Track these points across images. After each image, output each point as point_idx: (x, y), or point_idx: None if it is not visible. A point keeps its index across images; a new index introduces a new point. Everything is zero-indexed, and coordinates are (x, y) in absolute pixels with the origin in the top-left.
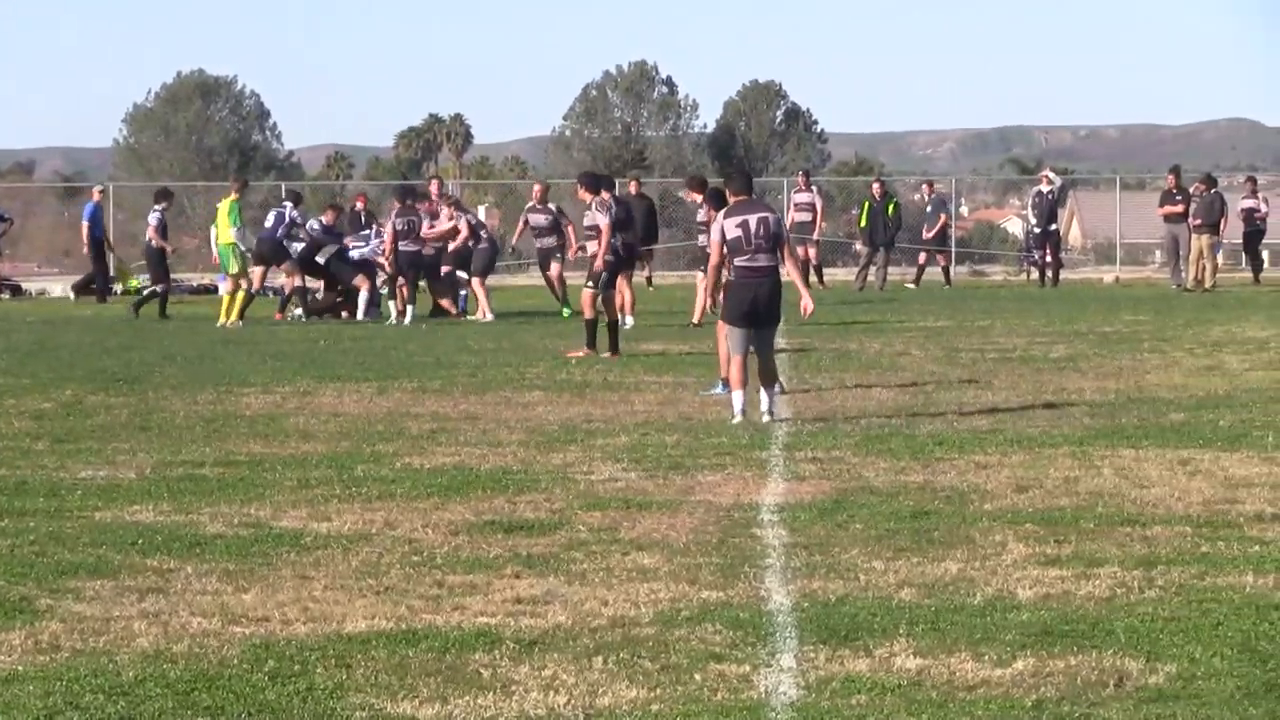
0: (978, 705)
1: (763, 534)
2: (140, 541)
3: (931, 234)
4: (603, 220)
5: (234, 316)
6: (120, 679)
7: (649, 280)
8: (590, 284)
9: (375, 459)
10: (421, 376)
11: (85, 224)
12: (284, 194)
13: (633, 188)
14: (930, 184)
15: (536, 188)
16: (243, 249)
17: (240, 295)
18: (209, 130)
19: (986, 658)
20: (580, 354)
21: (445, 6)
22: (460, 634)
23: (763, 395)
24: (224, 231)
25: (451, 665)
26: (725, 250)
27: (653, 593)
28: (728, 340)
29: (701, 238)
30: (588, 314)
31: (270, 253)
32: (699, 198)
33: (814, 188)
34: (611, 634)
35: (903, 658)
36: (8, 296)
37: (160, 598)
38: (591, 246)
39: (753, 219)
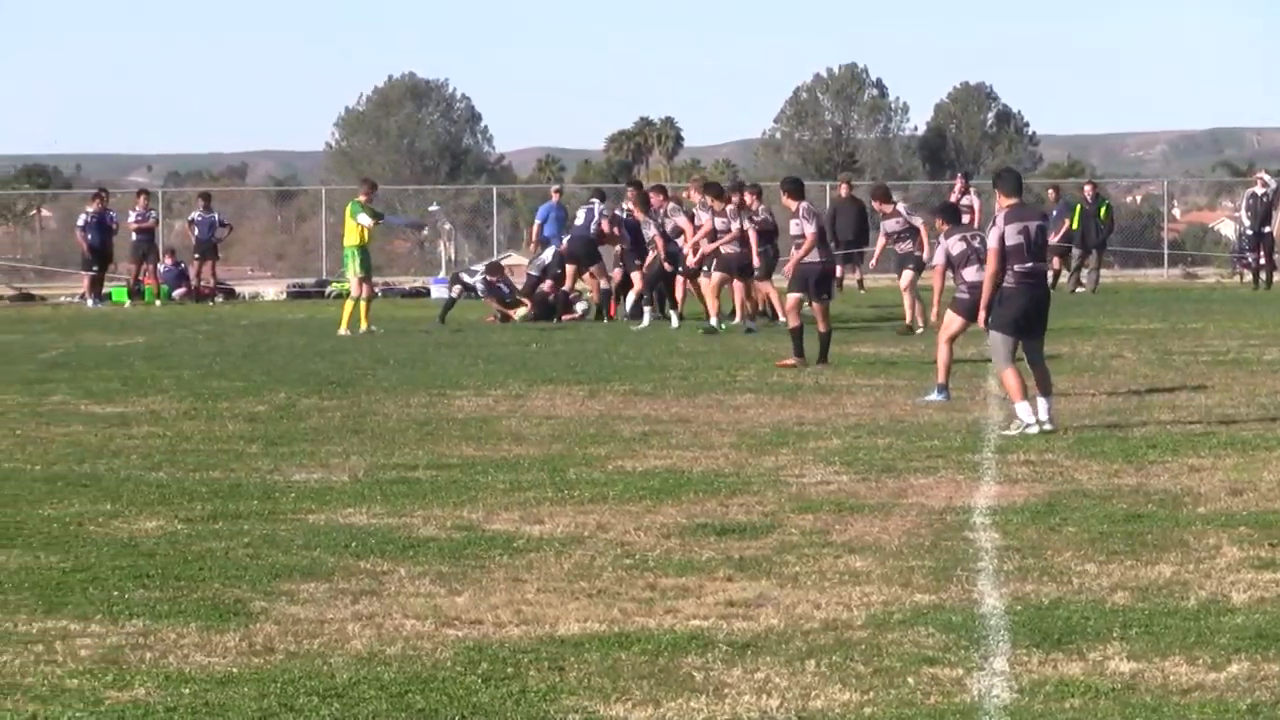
0: (1192, 709)
1: (975, 537)
2: (354, 544)
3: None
4: (809, 228)
5: (345, 325)
6: (334, 681)
7: (860, 283)
8: (794, 290)
9: (587, 462)
10: (633, 379)
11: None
12: (591, 193)
13: (843, 190)
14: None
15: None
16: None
17: (362, 303)
18: (420, 133)
19: (1200, 661)
20: (790, 363)
21: (656, 9)
22: (673, 637)
23: (1041, 404)
24: (350, 234)
25: (664, 668)
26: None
27: (865, 596)
28: (995, 351)
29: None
30: (793, 322)
31: (583, 252)
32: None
33: (971, 190)
34: (824, 637)
35: (1116, 661)
36: (221, 300)
37: (374, 600)
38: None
39: (1032, 225)
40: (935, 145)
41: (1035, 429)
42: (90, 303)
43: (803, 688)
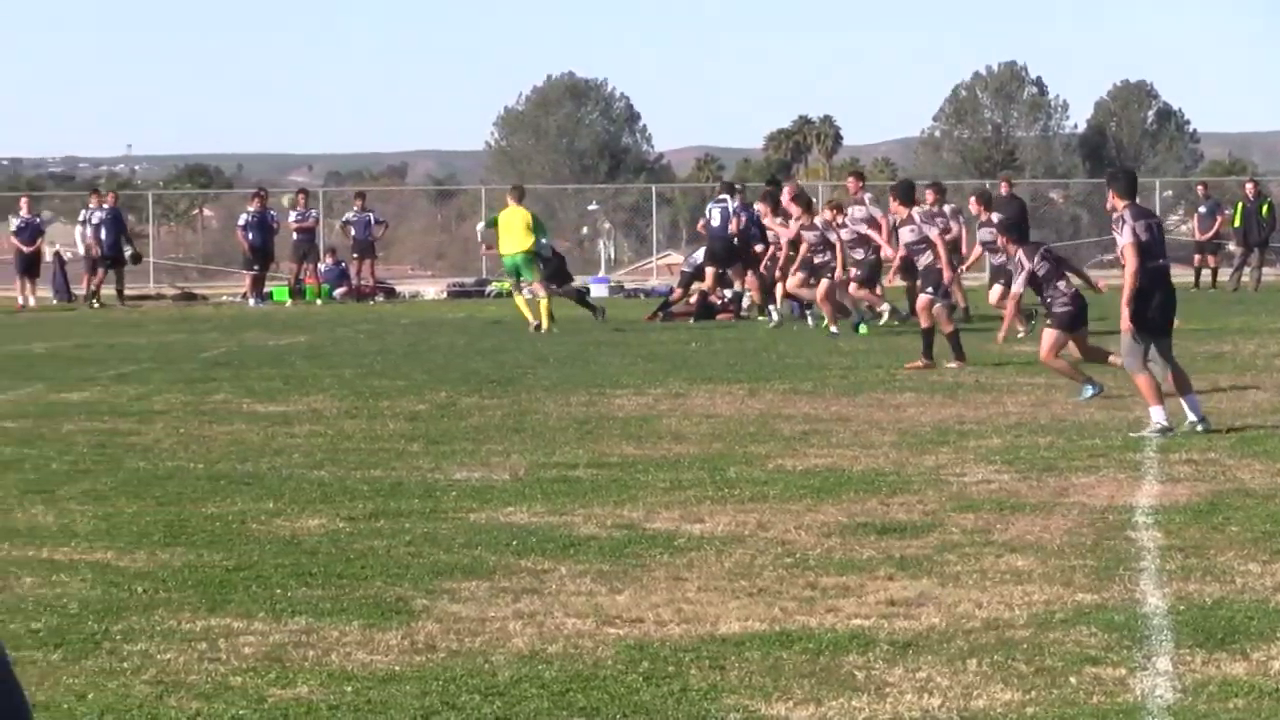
0: None
1: (1137, 536)
2: (515, 543)
3: (1206, 236)
4: (932, 230)
5: (546, 322)
6: (496, 679)
7: None
8: (929, 291)
9: (747, 460)
10: (793, 378)
11: None
12: (720, 187)
13: (1004, 189)
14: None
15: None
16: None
17: (546, 301)
18: (579, 133)
19: None
20: (918, 365)
21: (816, 7)
22: (834, 636)
23: (1186, 403)
24: (522, 240)
25: (825, 667)
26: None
27: (1027, 595)
28: (1128, 358)
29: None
30: (924, 323)
31: (722, 251)
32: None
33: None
34: (985, 636)
35: None
36: (382, 299)
37: (535, 599)
38: (925, 258)
39: (1154, 222)
40: (1095, 143)
41: (1172, 432)
42: (252, 302)
43: (964, 687)
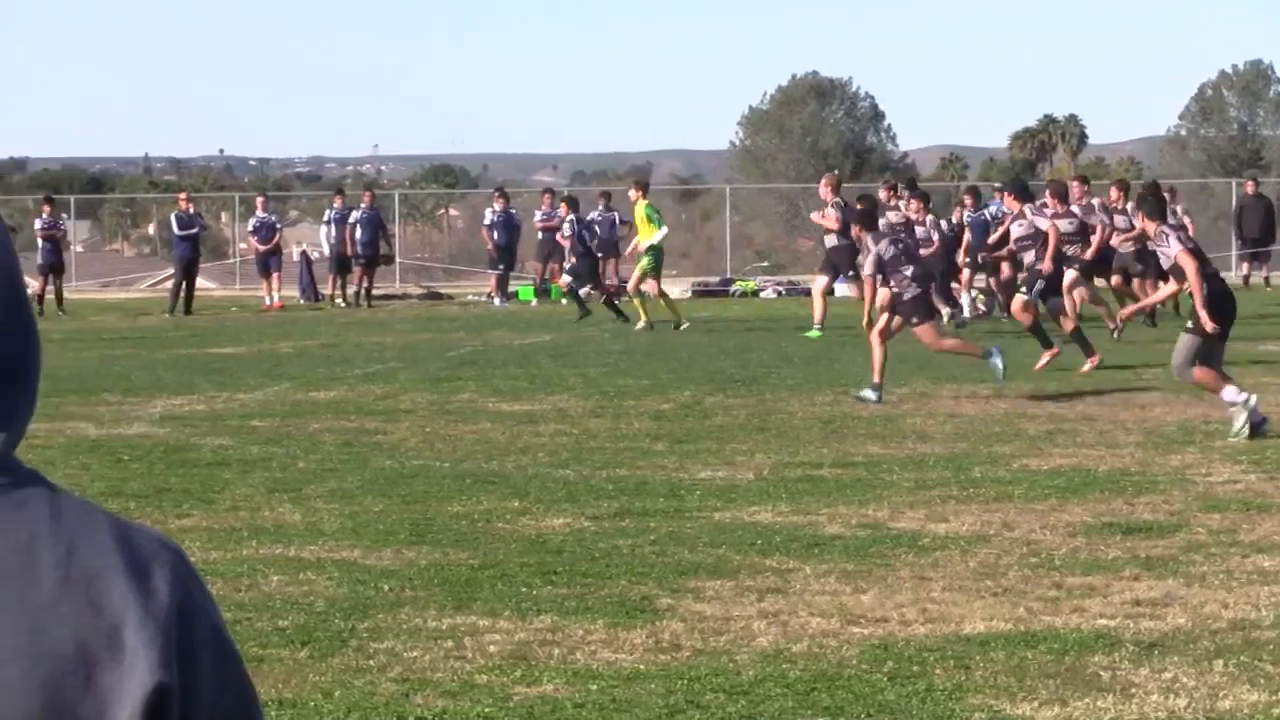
0: None
1: None
2: (759, 542)
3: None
4: (1044, 223)
5: (645, 319)
6: (740, 678)
7: (1266, 280)
8: (1024, 290)
9: (992, 460)
10: (1037, 378)
11: None
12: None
13: (1249, 188)
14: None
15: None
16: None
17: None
18: (823, 132)
19: None
20: (1045, 359)
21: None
22: (1079, 636)
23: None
24: (645, 233)
25: (1070, 667)
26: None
27: (1274, 595)
28: (1180, 362)
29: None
30: (1027, 322)
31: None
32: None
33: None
34: (1232, 637)
35: None
36: (626, 299)
37: (779, 598)
38: (1029, 256)
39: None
40: None
41: (1254, 399)
42: (497, 301)
43: (1210, 688)
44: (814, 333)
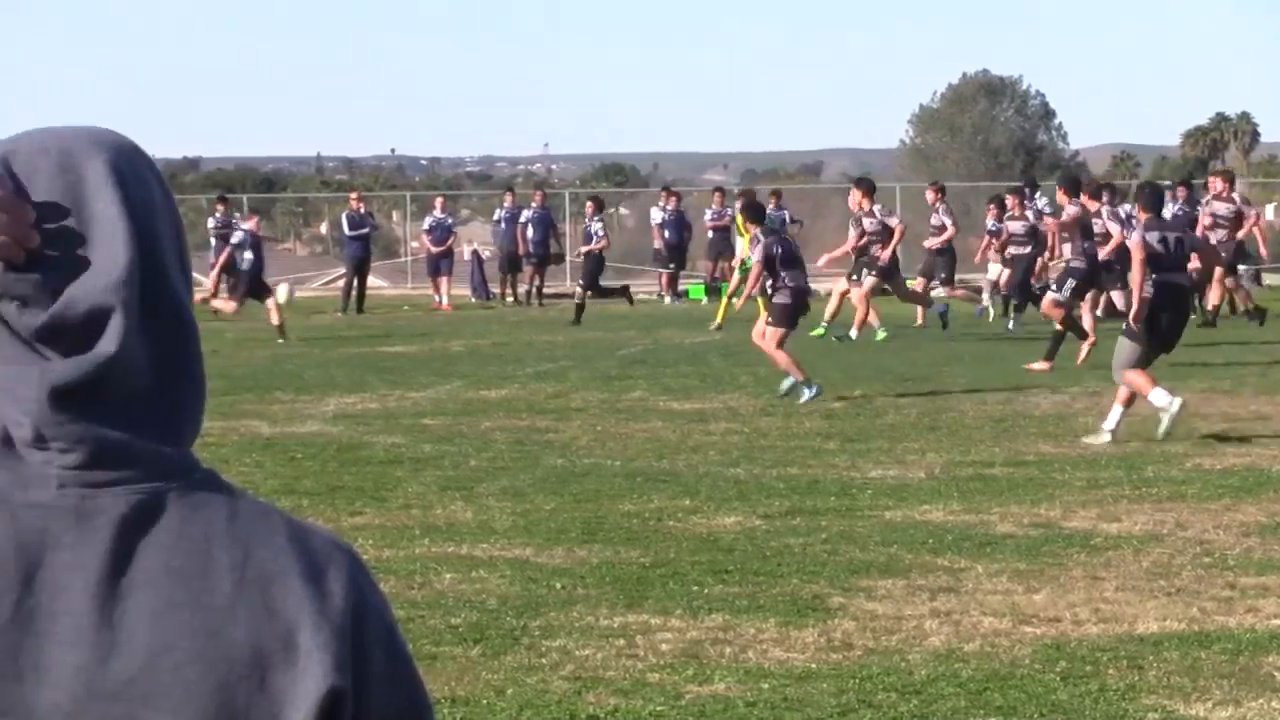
0: None
1: None
2: (930, 541)
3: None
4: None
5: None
6: (912, 678)
7: None
8: (1055, 287)
9: (1165, 459)
10: (1210, 377)
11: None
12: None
13: None
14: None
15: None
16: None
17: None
18: (994, 130)
19: None
20: (1084, 351)
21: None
22: (1253, 636)
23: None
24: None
25: (1244, 667)
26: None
27: None
28: (1120, 361)
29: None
30: (1057, 318)
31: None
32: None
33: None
34: None
35: None
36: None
37: (951, 597)
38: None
39: (1173, 237)
40: None
41: (1175, 400)
42: (668, 300)
43: None
44: (881, 334)
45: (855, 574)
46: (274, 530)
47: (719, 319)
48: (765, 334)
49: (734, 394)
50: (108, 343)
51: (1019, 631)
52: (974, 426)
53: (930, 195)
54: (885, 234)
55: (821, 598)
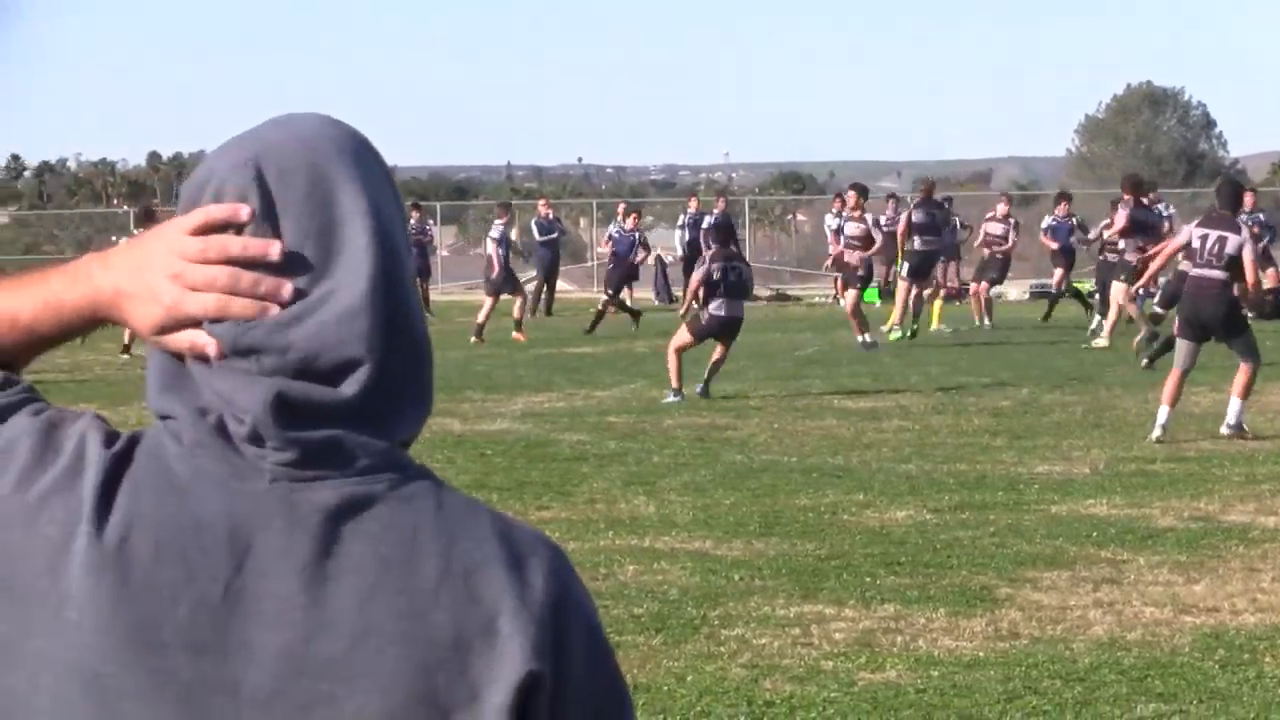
0: None
1: None
2: (1094, 534)
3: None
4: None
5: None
6: (1076, 665)
7: None
8: (1124, 279)
9: None
10: None
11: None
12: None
13: None
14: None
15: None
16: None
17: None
18: (1157, 139)
19: None
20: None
21: None
22: None
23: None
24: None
25: None
26: None
27: None
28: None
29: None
30: (1132, 311)
31: None
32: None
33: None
34: None
35: None
36: (958, 302)
37: (1114, 588)
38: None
39: (1216, 237)
40: None
41: (1158, 432)
42: (841, 302)
43: None
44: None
45: (1022, 566)
46: (479, 523)
47: (893, 323)
48: (677, 334)
49: (905, 393)
50: (349, 387)
51: (1179, 621)
52: (1136, 424)
53: (1002, 207)
54: (866, 240)
55: (989, 589)
